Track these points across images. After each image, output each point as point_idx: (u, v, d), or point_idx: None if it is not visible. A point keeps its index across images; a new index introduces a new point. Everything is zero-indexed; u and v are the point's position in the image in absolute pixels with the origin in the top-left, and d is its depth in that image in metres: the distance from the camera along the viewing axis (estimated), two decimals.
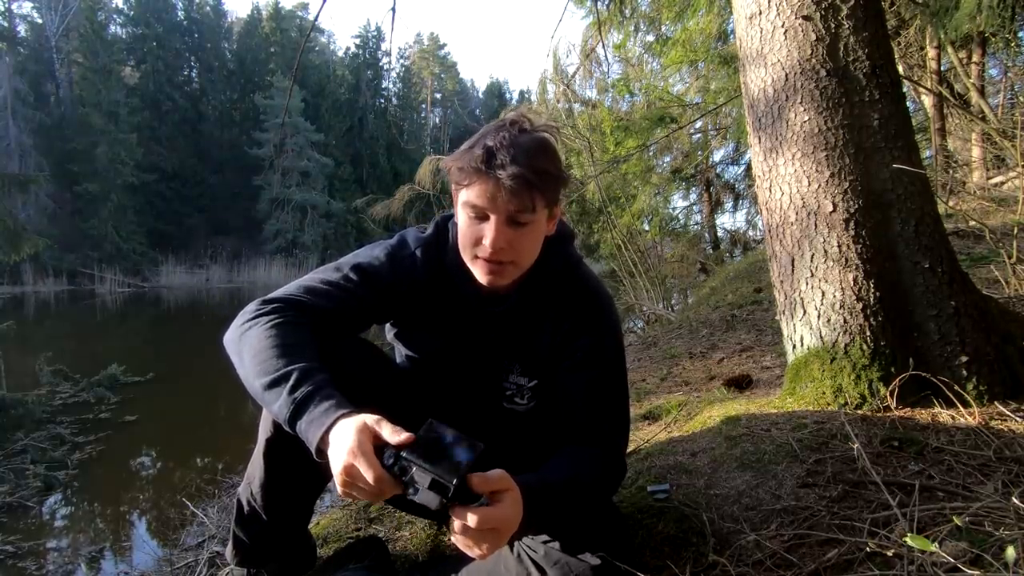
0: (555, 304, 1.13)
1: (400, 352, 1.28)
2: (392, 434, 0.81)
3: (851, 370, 1.57)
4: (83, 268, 23.72)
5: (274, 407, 0.92)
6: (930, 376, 1.48)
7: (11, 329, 6.17)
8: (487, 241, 0.99)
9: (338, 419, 0.85)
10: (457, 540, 0.81)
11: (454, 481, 0.75)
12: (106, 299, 21.84)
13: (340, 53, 41.18)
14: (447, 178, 1.07)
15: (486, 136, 1.00)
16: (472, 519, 0.77)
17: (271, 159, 30.15)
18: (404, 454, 0.79)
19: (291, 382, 0.91)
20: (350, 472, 0.81)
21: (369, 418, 0.84)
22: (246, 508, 1.18)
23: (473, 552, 0.81)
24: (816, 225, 1.64)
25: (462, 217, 1.03)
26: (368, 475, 0.79)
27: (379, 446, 0.81)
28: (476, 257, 1.03)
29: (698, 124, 8.57)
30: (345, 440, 0.82)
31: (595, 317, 1.13)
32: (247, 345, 0.98)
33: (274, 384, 0.92)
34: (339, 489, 0.83)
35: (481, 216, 1.00)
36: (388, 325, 1.25)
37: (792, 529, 1.15)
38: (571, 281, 1.15)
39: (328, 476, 1.13)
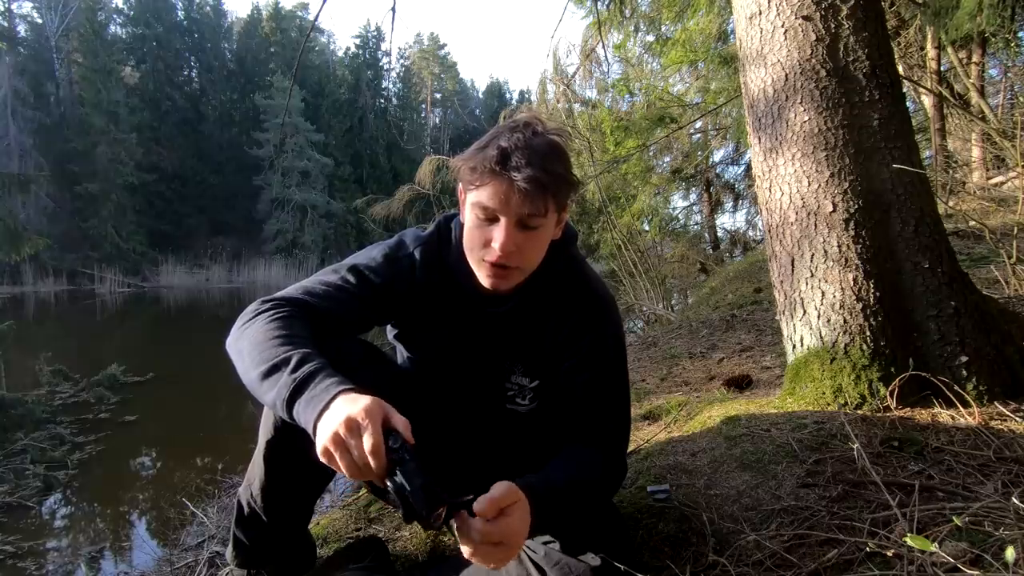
0: (557, 304, 1.12)
1: (401, 353, 1.27)
2: (404, 427, 0.79)
3: (851, 370, 1.57)
4: (83, 268, 23.72)
5: (272, 393, 0.88)
6: (930, 376, 1.48)
7: (11, 329, 6.17)
8: (496, 244, 0.98)
9: (340, 393, 0.82)
10: (465, 551, 0.79)
11: (444, 495, 0.75)
12: (106, 299, 21.83)
13: (340, 53, 41.16)
14: (449, 178, 1.06)
15: (499, 136, 0.98)
16: (479, 532, 0.76)
17: (271, 159, 30.17)
18: (408, 452, 0.77)
19: (292, 364, 0.88)
20: (350, 426, 0.77)
21: (377, 399, 0.81)
22: (246, 510, 1.18)
23: (487, 566, 0.79)
24: (816, 225, 1.64)
25: (470, 218, 1.02)
26: (367, 442, 0.75)
27: (386, 429, 0.79)
28: (482, 260, 1.01)
29: (698, 124, 8.59)
30: (357, 401, 0.79)
31: (597, 317, 1.13)
32: (247, 340, 0.96)
33: (274, 370, 0.89)
34: (319, 448, 0.79)
35: (491, 218, 0.98)
36: (389, 326, 1.24)
37: (792, 529, 1.15)
38: (574, 281, 1.14)
39: (329, 476, 1.12)
